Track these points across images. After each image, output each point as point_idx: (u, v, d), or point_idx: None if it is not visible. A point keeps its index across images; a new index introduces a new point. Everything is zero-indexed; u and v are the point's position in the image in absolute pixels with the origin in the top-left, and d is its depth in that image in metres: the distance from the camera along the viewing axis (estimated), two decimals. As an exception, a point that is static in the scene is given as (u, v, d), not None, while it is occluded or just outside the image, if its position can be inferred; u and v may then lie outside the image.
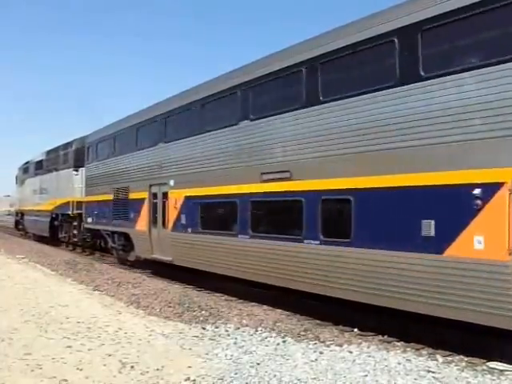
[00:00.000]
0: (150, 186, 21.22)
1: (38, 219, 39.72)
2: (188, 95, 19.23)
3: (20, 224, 49.54)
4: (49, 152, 39.23)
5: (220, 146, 16.68)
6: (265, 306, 15.10)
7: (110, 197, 25.38)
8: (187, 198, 18.50)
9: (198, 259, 17.96)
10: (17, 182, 51.41)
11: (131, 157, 23.45)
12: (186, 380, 8.27)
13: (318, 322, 13.25)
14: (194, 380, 8.27)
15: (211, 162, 17.14)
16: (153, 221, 21.19)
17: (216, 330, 11.96)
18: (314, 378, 8.37)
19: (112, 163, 25.81)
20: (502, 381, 8.67)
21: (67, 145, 34.79)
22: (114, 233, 25.81)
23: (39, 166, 41.22)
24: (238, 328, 12.12)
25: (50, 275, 21.43)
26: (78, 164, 32.05)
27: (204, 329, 12.04)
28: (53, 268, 23.74)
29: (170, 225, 19.58)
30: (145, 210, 21.68)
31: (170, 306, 14.76)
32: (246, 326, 12.46)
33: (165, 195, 20.11)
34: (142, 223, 21.93)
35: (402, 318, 11.55)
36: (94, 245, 31.01)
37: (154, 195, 21.07)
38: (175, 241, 19.23)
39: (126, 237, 24.13)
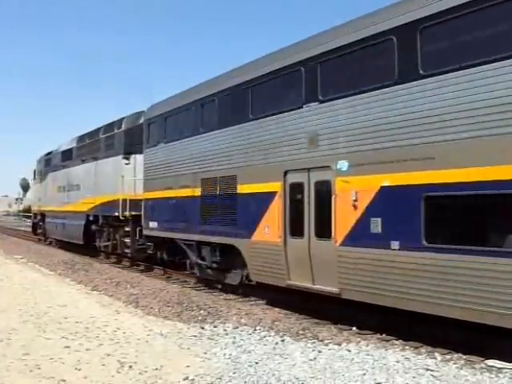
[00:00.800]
0: (286, 172, 13.95)
1: (67, 223, 31.57)
2: (380, 18, 11.84)
3: (39, 228, 40.61)
4: (82, 137, 31.35)
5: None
6: (263, 305, 15.12)
7: (195, 192, 17.76)
8: (390, 190, 11.18)
9: (419, 296, 10.47)
10: (35, 178, 42.12)
11: (240, 131, 15.81)
12: (184, 379, 8.26)
13: (316, 320, 13.24)
14: (193, 379, 8.27)
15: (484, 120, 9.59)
16: (292, 227, 13.82)
17: (214, 329, 11.95)
18: (313, 377, 8.38)
19: (198, 143, 17.87)
20: (501, 378, 8.69)
21: (112, 125, 26.82)
22: (201, 244, 17.91)
23: (67, 156, 33.07)
24: (237, 327, 12.12)
25: (49, 275, 21.42)
26: (129, 150, 24.45)
27: (202, 328, 12.04)
28: (51, 268, 23.72)
29: (341, 235, 12.21)
30: (274, 211, 14.28)
31: (169, 306, 14.78)
32: (245, 325, 12.46)
33: (322, 186, 12.92)
34: (269, 230, 14.49)
35: (401, 316, 11.56)
36: (151, 258, 22.99)
37: (296, 186, 13.72)
38: (353, 262, 11.93)
39: (227, 250, 16.61)
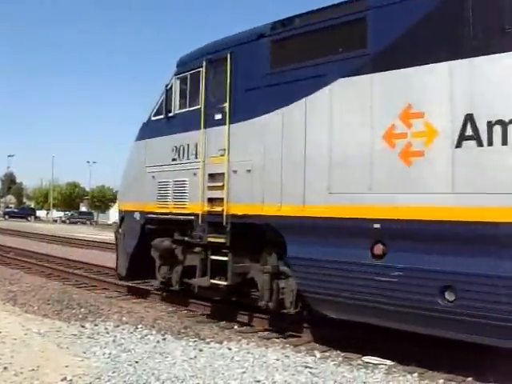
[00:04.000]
0: None
1: None
2: None
3: (198, 269, 12.63)
4: None
5: None
6: (145, 304, 15.01)
7: None
8: None
9: None
10: (167, 117, 13.47)
11: None
12: (62, 380, 8.06)
13: (198, 319, 13.29)
14: (71, 380, 8.07)
15: None
16: None
17: (95, 327, 11.71)
18: (193, 376, 8.40)
19: None
20: (376, 374, 9.07)
21: None
22: None
23: None
24: (118, 326, 11.93)
25: None
26: None
27: (83, 327, 11.77)
28: None
29: None
30: None
31: (49, 304, 14.33)
32: (126, 323, 12.29)
33: None
34: None
35: (282, 314, 11.80)
36: None
37: None
38: None
39: None
